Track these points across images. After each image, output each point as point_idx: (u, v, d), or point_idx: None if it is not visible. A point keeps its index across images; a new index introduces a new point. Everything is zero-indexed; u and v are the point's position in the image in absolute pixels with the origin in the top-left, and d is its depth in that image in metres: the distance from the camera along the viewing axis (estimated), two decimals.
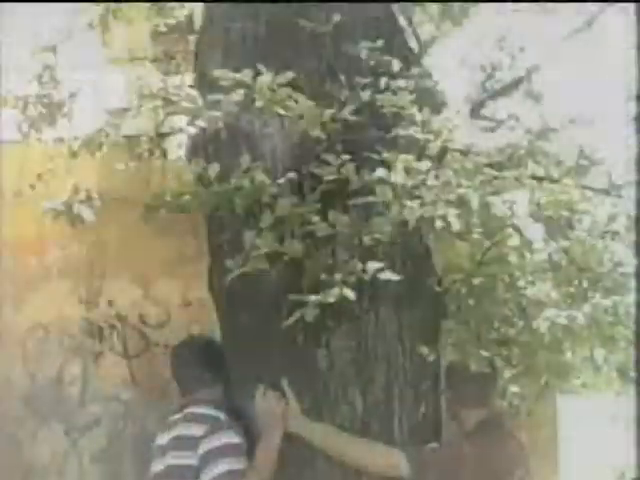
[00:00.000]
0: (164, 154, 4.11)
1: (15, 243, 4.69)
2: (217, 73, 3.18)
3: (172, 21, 5.08)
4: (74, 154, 4.05)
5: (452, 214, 3.07)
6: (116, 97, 4.19)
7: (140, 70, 4.54)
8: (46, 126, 4.31)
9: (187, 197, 3.50)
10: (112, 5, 4.70)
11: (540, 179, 3.85)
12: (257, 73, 3.16)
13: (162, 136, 4.06)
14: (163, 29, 5.13)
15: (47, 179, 4.29)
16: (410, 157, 3.14)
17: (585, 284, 4.00)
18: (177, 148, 4.10)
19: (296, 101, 3.17)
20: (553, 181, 3.77)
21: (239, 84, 3.20)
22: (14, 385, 4.69)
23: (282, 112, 3.24)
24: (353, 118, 3.29)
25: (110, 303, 4.69)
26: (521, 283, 3.95)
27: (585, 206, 3.84)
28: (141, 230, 4.19)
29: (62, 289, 4.73)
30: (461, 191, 3.07)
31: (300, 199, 3.42)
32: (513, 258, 3.86)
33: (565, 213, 3.71)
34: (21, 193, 4.50)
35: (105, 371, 4.69)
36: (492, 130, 3.38)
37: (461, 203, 3.11)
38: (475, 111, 4.33)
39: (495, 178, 3.53)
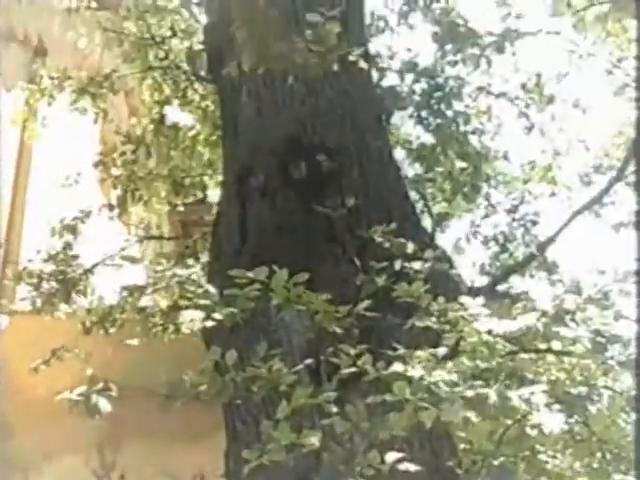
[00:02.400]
0: (178, 330, 4.08)
1: (29, 415, 4.66)
2: (233, 272, 3.19)
3: (189, 200, 5.17)
4: (87, 330, 4.05)
5: (470, 414, 3.02)
6: (132, 273, 4.23)
7: (156, 248, 4.60)
8: (59, 302, 4.32)
9: (204, 386, 3.47)
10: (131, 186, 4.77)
11: (557, 353, 3.83)
12: (272, 272, 3.17)
13: (175, 309, 4.06)
14: (181, 208, 5.21)
15: (60, 355, 4.29)
16: (426, 354, 3.11)
17: (608, 457, 3.94)
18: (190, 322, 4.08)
19: (312, 301, 3.17)
20: (570, 355, 3.75)
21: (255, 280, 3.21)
22: None
23: (298, 307, 3.24)
24: (369, 314, 3.28)
25: (122, 478, 4.63)
26: (542, 457, 3.88)
27: (604, 380, 3.80)
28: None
29: (76, 462, 4.67)
30: (478, 389, 3.02)
31: (317, 385, 3.39)
32: (533, 432, 3.80)
33: (583, 389, 3.68)
34: (36, 368, 4.47)
35: None
36: (507, 314, 3.35)
37: (479, 398, 3.07)
38: (489, 288, 4.36)
39: (513, 354, 3.51)
